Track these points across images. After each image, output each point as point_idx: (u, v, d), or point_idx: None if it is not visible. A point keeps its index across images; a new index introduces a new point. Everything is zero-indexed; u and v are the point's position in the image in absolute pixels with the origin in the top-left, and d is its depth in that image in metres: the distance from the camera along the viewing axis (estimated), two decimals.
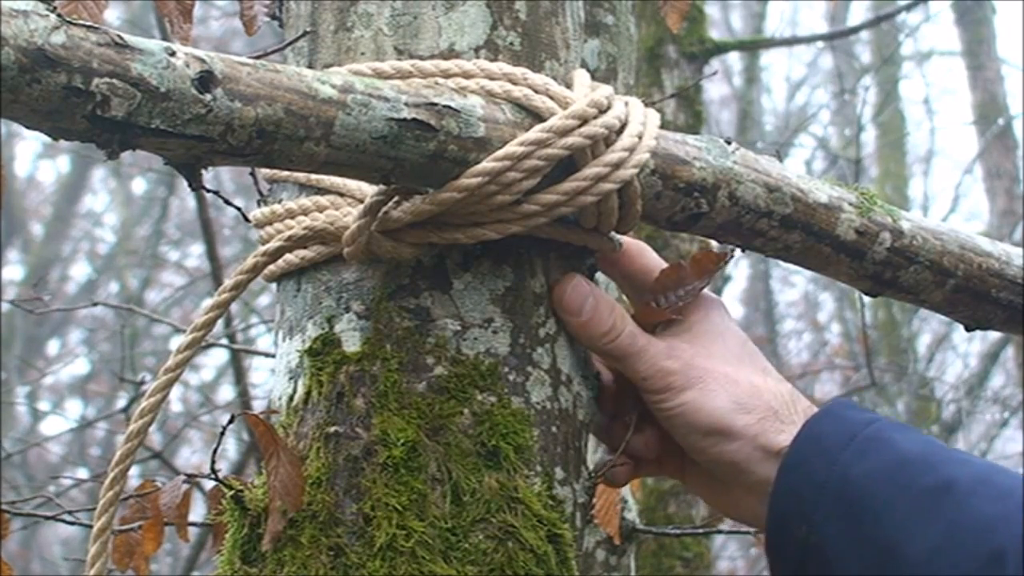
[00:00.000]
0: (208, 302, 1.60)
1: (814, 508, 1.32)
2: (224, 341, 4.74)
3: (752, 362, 1.50)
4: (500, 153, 1.42)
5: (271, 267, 1.56)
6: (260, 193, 1.67)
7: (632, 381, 1.51)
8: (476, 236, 1.46)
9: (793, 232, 1.61)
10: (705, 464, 1.48)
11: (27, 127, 1.26)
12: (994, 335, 8.63)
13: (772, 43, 6.96)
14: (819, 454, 1.36)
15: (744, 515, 1.50)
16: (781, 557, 1.36)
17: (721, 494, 1.52)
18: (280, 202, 1.59)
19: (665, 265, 1.59)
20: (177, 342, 1.65)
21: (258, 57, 1.51)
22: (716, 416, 1.44)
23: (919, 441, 1.34)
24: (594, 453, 2.03)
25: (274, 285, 1.61)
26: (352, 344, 1.49)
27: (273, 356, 1.60)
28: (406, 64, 1.49)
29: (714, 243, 1.66)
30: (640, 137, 1.49)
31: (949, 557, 1.20)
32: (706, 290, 1.58)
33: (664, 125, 1.54)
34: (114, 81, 1.24)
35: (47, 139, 1.29)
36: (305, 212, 1.55)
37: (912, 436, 1.35)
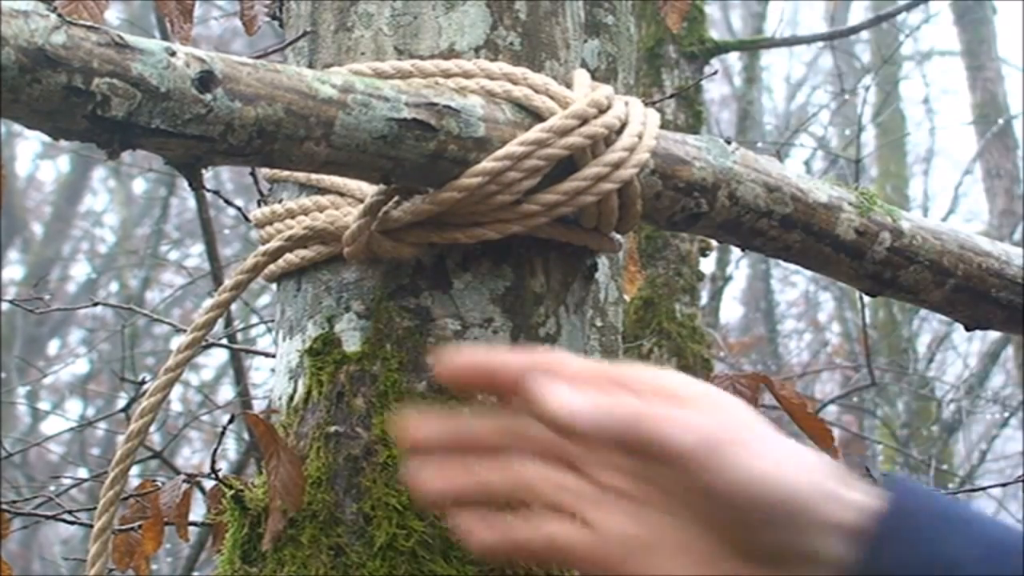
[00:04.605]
0: (208, 302, 1.60)
1: None
2: (224, 341, 4.73)
3: None
4: (500, 153, 1.41)
5: (271, 267, 1.56)
6: (260, 193, 1.67)
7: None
8: (476, 236, 1.46)
9: (793, 232, 1.61)
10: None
11: (27, 127, 1.26)
12: (994, 335, 8.62)
13: (772, 43, 6.93)
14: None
15: None
16: None
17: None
18: (280, 202, 1.59)
19: None
20: (177, 342, 1.65)
21: (258, 57, 1.51)
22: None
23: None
24: None
25: (274, 285, 1.61)
26: (352, 344, 1.48)
27: (273, 356, 1.60)
28: (406, 64, 1.49)
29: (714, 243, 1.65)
30: (640, 137, 1.48)
31: None
32: None
33: (664, 125, 1.54)
34: (114, 81, 1.24)
35: (47, 139, 1.29)
36: (305, 212, 1.55)
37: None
